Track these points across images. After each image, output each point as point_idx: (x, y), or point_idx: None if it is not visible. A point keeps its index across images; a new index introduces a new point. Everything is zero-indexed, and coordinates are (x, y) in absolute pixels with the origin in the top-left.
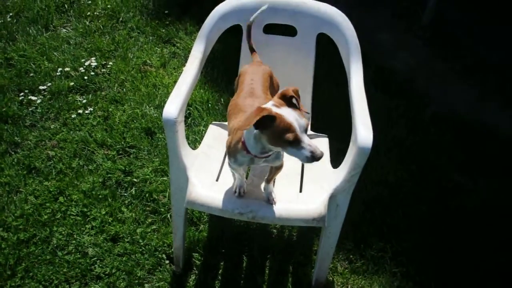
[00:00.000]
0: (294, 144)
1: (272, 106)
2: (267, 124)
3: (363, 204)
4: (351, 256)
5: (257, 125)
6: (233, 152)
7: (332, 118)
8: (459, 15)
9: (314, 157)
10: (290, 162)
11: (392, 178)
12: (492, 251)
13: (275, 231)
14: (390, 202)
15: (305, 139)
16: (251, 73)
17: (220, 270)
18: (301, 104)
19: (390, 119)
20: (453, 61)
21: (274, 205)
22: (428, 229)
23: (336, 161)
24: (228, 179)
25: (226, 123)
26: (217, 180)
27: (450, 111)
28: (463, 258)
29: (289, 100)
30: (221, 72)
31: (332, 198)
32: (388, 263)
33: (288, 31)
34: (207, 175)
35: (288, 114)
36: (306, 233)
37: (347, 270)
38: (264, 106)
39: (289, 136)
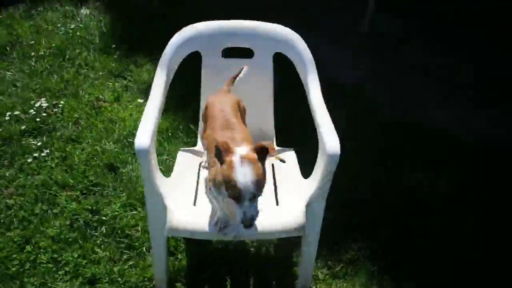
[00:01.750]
0: (234, 200)
1: (239, 155)
2: (220, 159)
3: (332, 210)
4: (329, 262)
5: (216, 151)
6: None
7: (295, 131)
8: (396, 24)
9: (243, 223)
10: None
11: (360, 181)
12: (456, 238)
13: (252, 249)
14: (359, 204)
15: (245, 204)
16: (219, 104)
17: None
18: (270, 145)
19: (348, 127)
20: (397, 67)
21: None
22: (399, 224)
23: (304, 172)
24: (205, 202)
25: (194, 148)
26: (194, 205)
27: (402, 114)
28: (433, 248)
29: (262, 154)
30: (177, 100)
31: (308, 206)
32: (365, 263)
33: (246, 53)
34: (184, 201)
35: (242, 174)
36: (282, 246)
37: (328, 276)
38: (233, 148)
39: (230, 192)
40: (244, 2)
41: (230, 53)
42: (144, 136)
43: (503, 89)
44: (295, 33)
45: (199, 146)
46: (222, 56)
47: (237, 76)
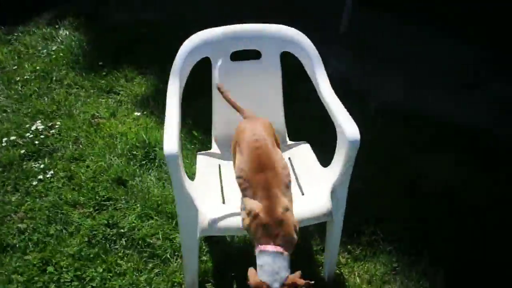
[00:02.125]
0: None
1: None
2: None
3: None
4: (349, 247)
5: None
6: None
7: (305, 126)
8: (370, 21)
9: None
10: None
11: (364, 172)
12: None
13: None
14: (367, 193)
15: None
16: (250, 132)
17: None
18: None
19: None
20: (376, 60)
21: None
22: (408, 209)
23: (320, 163)
24: (233, 199)
25: (210, 151)
26: (223, 203)
27: (388, 103)
28: (441, 228)
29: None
30: None
31: (332, 193)
32: (382, 244)
33: (253, 55)
34: (213, 201)
35: None
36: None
37: (349, 260)
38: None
39: None
40: (217, 8)
41: (238, 56)
42: (171, 142)
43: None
44: (299, 32)
45: (214, 148)
46: (231, 60)
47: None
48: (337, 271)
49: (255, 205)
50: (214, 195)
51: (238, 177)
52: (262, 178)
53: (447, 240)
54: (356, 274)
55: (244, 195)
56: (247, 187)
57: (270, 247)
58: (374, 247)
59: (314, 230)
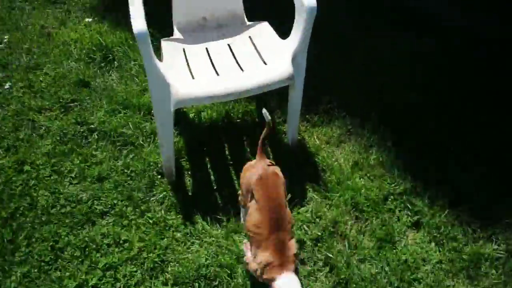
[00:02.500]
0: None
1: None
2: None
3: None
4: (307, 116)
5: None
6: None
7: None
8: None
9: None
10: (243, 48)
11: (321, 52)
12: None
13: (238, 120)
14: (323, 68)
15: None
16: (267, 189)
17: (209, 164)
18: None
19: None
20: None
21: (253, 77)
22: (357, 81)
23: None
24: (202, 75)
25: (173, 37)
26: (193, 78)
27: None
28: (389, 93)
29: None
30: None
31: (293, 60)
32: (336, 111)
33: None
34: (183, 77)
35: None
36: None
37: (308, 127)
38: None
39: None
40: None
41: None
42: (139, 21)
43: None
44: None
45: (176, 34)
46: None
47: (267, 136)
48: (299, 136)
49: (267, 258)
50: (183, 73)
51: (251, 231)
52: (276, 237)
53: (394, 104)
54: (316, 137)
55: (256, 246)
56: (260, 241)
57: (284, 274)
58: (330, 114)
59: (276, 105)
